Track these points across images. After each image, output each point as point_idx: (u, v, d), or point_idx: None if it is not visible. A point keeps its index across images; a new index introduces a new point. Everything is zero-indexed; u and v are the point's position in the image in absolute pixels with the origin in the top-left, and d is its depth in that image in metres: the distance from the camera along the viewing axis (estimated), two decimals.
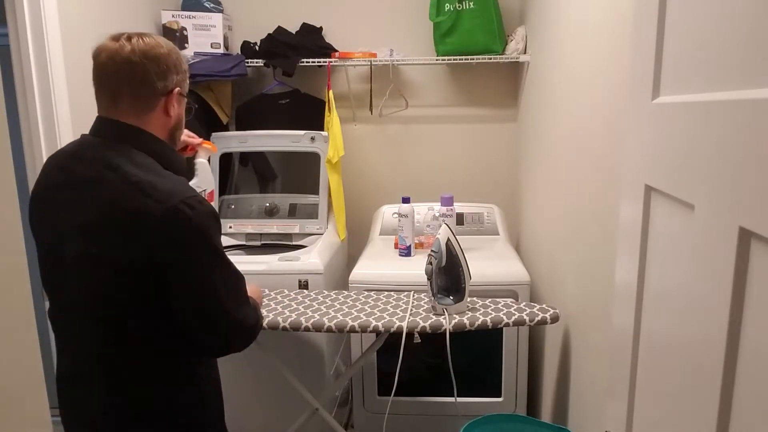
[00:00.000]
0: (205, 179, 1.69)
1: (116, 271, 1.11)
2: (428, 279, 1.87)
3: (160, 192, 1.10)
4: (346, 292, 2.08)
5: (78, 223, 1.13)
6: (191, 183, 1.55)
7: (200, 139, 1.63)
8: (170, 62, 1.20)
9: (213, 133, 2.60)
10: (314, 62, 2.70)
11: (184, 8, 2.69)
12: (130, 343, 1.16)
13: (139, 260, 1.10)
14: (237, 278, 1.23)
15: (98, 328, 1.17)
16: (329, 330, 1.78)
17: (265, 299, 1.98)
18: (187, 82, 1.27)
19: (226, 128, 2.80)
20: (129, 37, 1.17)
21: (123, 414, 1.20)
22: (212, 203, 1.55)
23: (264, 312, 1.83)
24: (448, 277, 1.86)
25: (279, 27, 2.78)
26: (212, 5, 2.71)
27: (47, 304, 1.95)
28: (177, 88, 1.22)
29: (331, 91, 2.68)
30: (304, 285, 2.22)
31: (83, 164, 1.16)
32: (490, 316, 1.81)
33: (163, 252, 1.10)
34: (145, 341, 1.17)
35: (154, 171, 1.15)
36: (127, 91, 1.17)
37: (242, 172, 2.84)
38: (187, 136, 1.56)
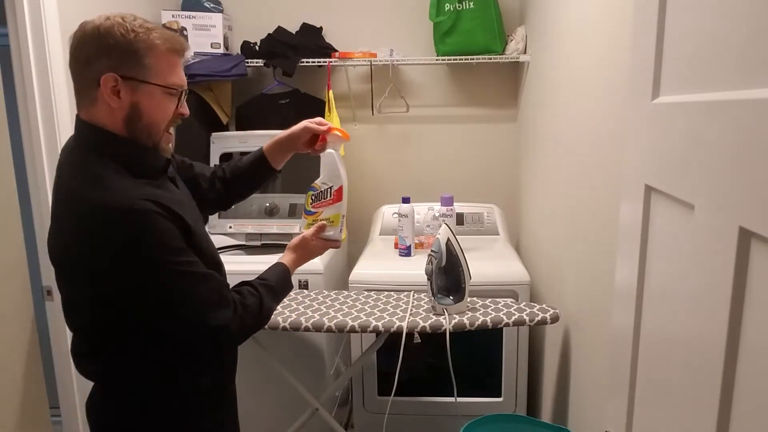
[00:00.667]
0: (331, 174, 1.45)
1: (79, 283, 1.12)
2: (428, 279, 1.87)
3: (100, 207, 1.05)
4: (346, 292, 2.08)
5: (51, 232, 1.16)
6: (318, 180, 1.44)
7: (328, 125, 1.45)
8: (102, 44, 1.06)
9: (213, 134, 2.60)
10: (314, 62, 2.70)
11: (184, 8, 2.69)
12: (104, 355, 1.16)
13: (98, 275, 1.08)
14: (186, 283, 1.11)
15: (75, 338, 1.20)
16: (329, 330, 1.78)
17: None
18: (145, 63, 1.09)
19: (226, 128, 2.80)
20: (84, 23, 1.09)
21: (106, 420, 1.21)
22: (341, 202, 1.42)
23: None
24: (448, 277, 1.86)
25: (279, 27, 2.78)
26: (212, 5, 2.71)
27: (47, 304, 1.96)
28: (109, 74, 1.06)
29: (331, 91, 2.68)
30: (304, 285, 2.22)
31: (58, 173, 1.16)
32: (490, 316, 1.81)
33: (108, 268, 1.06)
34: (114, 354, 1.16)
35: (99, 181, 1.07)
36: (75, 83, 1.12)
37: None
38: (316, 123, 1.45)
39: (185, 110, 1.18)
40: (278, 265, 1.36)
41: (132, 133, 1.12)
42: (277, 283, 1.30)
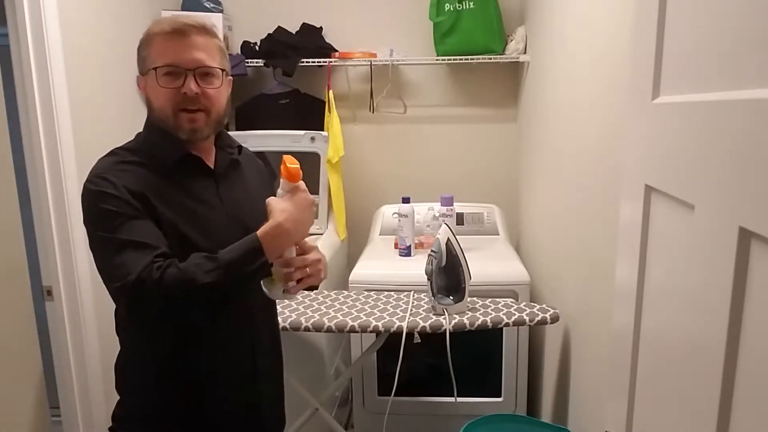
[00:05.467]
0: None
1: None
2: (428, 279, 1.87)
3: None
4: (346, 292, 2.08)
5: None
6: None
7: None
8: None
9: None
10: (314, 62, 2.70)
11: (184, 8, 2.69)
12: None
13: None
14: (109, 243, 1.10)
15: None
16: (329, 330, 1.78)
17: None
18: (144, 54, 1.18)
19: (226, 128, 2.78)
20: None
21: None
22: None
23: None
24: (448, 277, 1.86)
25: (279, 27, 2.78)
26: (212, 5, 2.71)
27: (47, 304, 1.96)
28: (137, 75, 1.21)
29: (331, 91, 2.68)
30: None
31: None
32: (490, 316, 1.81)
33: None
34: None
35: (107, 153, 1.21)
36: None
37: None
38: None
39: (187, 88, 1.14)
40: (250, 237, 1.13)
41: (157, 123, 1.19)
42: (229, 256, 1.10)
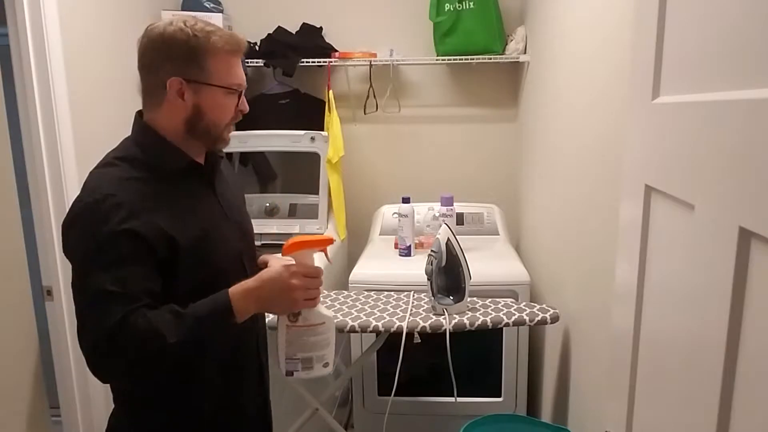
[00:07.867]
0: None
1: None
2: (428, 279, 1.87)
3: (82, 189, 1.09)
4: (346, 292, 2.08)
5: None
6: None
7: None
8: (166, 49, 1.10)
9: None
10: (314, 62, 2.70)
11: (184, 8, 2.69)
12: None
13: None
14: (85, 294, 1.04)
15: None
16: None
17: None
18: (206, 65, 1.11)
19: None
20: (149, 29, 1.13)
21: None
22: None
23: None
24: (448, 277, 1.86)
25: (279, 27, 2.78)
26: (212, 5, 2.70)
27: (47, 304, 1.96)
28: (174, 78, 1.10)
29: (331, 91, 2.68)
30: None
31: None
32: (490, 316, 1.81)
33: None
34: None
35: (104, 163, 1.12)
36: (142, 87, 1.16)
37: (242, 172, 2.84)
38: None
39: (245, 107, 1.21)
40: (220, 294, 1.09)
41: (191, 132, 1.15)
42: (196, 315, 1.06)
